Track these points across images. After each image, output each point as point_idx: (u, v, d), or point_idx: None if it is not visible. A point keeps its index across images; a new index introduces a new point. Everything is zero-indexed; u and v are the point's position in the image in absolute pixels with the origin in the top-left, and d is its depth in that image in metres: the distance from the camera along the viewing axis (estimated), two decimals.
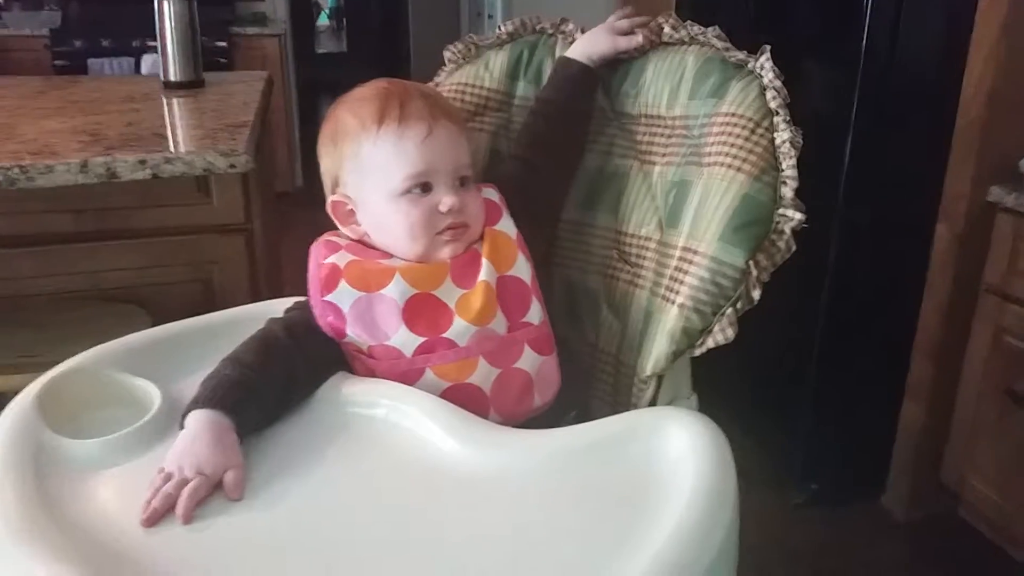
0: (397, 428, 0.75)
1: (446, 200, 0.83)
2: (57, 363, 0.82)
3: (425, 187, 0.83)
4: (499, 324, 0.83)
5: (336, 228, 0.90)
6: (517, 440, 0.74)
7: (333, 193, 0.88)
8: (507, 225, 0.88)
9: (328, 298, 0.82)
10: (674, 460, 0.68)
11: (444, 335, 0.81)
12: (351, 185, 0.86)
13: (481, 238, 0.87)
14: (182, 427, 0.73)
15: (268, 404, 0.77)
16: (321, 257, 0.85)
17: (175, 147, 1.35)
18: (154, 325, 0.93)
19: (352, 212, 0.87)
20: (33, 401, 0.75)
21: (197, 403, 0.74)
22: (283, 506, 0.67)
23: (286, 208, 3.89)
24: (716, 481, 0.65)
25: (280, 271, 2.11)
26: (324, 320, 0.82)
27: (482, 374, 0.82)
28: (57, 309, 1.40)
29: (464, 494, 0.68)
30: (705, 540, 0.61)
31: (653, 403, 0.87)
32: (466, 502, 0.67)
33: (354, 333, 0.82)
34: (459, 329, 0.81)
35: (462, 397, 0.80)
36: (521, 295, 0.85)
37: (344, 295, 0.82)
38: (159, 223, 1.42)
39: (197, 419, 0.72)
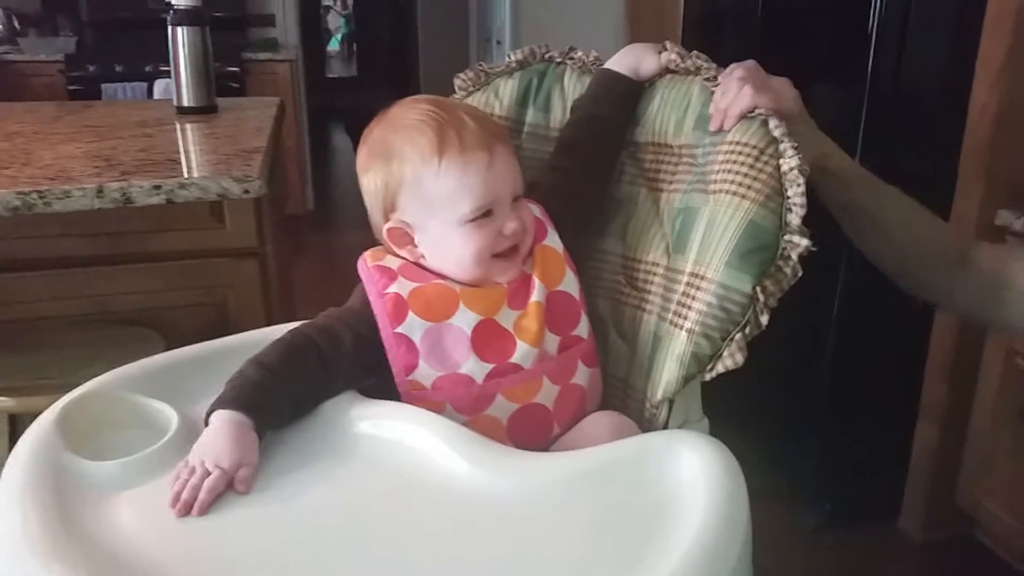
0: (408, 449, 0.76)
1: (509, 225, 0.85)
2: (72, 385, 0.83)
3: (487, 213, 0.85)
4: (550, 343, 0.86)
5: (357, 247, 0.91)
6: (529, 462, 0.75)
7: (386, 219, 0.88)
8: (554, 240, 0.90)
9: (399, 330, 0.83)
10: (685, 483, 0.69)
11: (511, 360, 0.83)
12: (410, 212, 0.86)
13: (530, 255, 0.88)
14: (206, 424, 0.77)
15: (286, 409, 0.81)
16: (381, 286, 0.85)
17: (189, 173, 1.37)
18: (168, 348, 0.94)
19: (409, 237, 0.87)
20: (53, 423, 0.76)
21: (221, 403, 0.77)
22: (297, 526, 0.68)
23: (298, 231, 3.92)
24: (728, 504, 0.66)
25: (293, 294, 2.12)
26: (395, 353, 0.83)
27: (546, 393, 0.85)
28: (72, 332, 1.41)
29: (475, 515, 0.69)
30: (717, 563, 0.61)
31: (664, 427, 0.87)
32: (476, 523, 0.68)
33: (427, 364, 0.82)
34: (523, 352, 0.84)
35: (530, 416, 0.84)
36: (570, 309, 0.88)
37: (414, 326, 0.83)
38: (173, 247, 1.44)
39: (219, 417, 0.76)
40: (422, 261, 0.88)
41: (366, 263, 0.87)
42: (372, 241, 0.93)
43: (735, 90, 0.88)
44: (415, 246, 0.87)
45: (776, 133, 0.86)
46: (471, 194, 0.83)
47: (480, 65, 1.09)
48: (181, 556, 0.65)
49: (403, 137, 0.85)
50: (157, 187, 1.27)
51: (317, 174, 4.81)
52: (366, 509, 0.70)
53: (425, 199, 0.85)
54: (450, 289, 0.85)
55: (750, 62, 0.92)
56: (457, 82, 1.09)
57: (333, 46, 8.50)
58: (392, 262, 0.87)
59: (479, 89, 1.08)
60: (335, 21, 8.44)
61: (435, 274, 0.87)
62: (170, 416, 0.79)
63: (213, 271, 1.45)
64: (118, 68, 3.75)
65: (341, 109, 7.05)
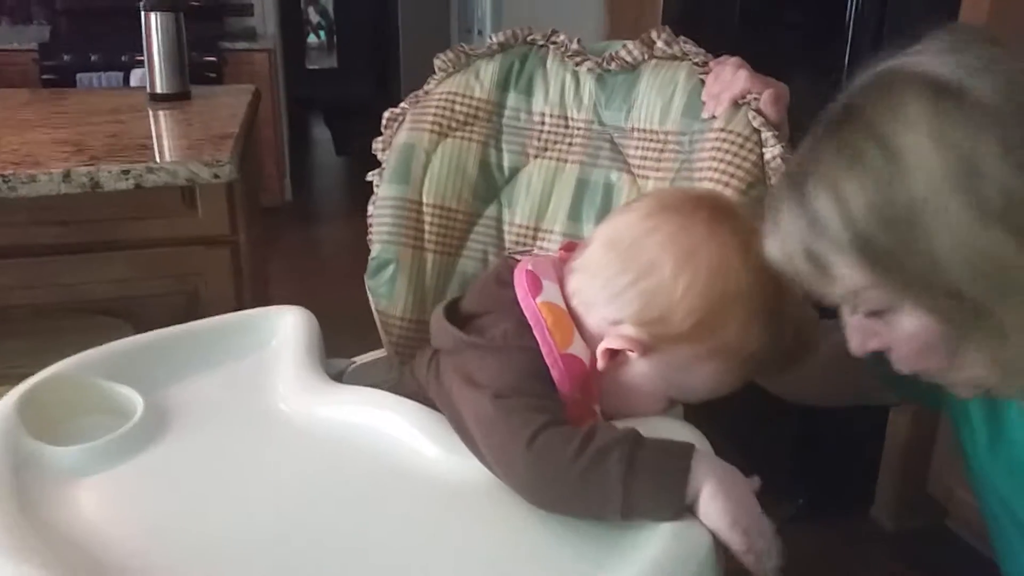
0: (381, 435, 0.74)
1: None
2: None
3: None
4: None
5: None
6: None
7: (623, 322, 0.73)
8: None
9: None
10: None
11: None
12: (661, 348, 0.73)
13: None
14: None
15: None
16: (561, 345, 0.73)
17: (159, 158, 1.34)
18: None
19: (624, 359, 0.74)
20: (13, 408, 0.73)
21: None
22: (263, 512, 0.67)
23: (275, 223, 3.89)
24: None
25: (267, 285, 2.10)
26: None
27: None
28: (41, 321, 1.39)
29: (449, 501, 0.67)
30: (690, 546, 0.60)
31: None
32: (451, 509, 0.67)
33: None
34: None
35: None
36: None
37: None
38: (144, 235, 1.41)
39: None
40: (598, 385, 0.75)
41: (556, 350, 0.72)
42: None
43: (729, 75, 0.88)
44: (615, 362, 0.74)
45: (755, 124, 0.86)
46: (702, 393, 0.75)
47: (461, 46, 1.08)
48: (144, 542, 0.63)
49: (726, 304, 0.71)
50: (125, 172, 1.24)
51: (296, 166, 4.77)
52: (335, 494, 0.69)
53: (676, 362, 0.73)
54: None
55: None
56: (437, 63, 1.07)
57: (313, 38, 8.44)
58: (579, 351, 0.73)
59: (459, 71, 1.06)
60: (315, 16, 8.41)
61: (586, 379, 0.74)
62: (135, 401, 0.77)
63: (185, 259, 1.43)
64: (93, 57, 3.69)
65: (321, 101, 7.00)
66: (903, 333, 0.65)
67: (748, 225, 0.73)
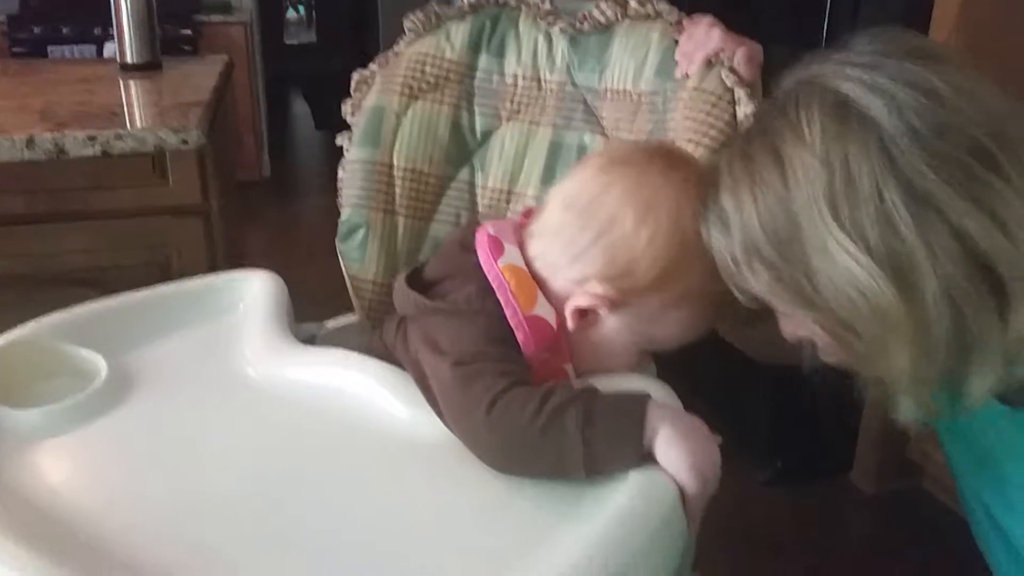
0: (349, 396, 0.73)
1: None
2: None
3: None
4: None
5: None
6: None
7: (588, 280, 0.73)
8: None
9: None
10: None
11: None
12: (616, 292, 0.72)
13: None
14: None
15: None
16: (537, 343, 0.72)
17: (129, 125, 1.32)
18: None
19: (595, 315, 0.74)
20: None
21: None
22: (231, 476, 0.66)
23: (253, 198, 3.85)
24: None
25: (243, 259, 2.08)
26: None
27: None
28: (8, 293, 1.36)
29: (418, 460, 0.67)
30: (660, 489, 0.61)
31: None
32: (420, 467, 0.66)
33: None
34: None
35: None
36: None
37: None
38: (114, 205, 1.38)
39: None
40: (570, 338, 0.74)
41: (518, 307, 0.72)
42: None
43: (702, 33, 0.87)
44: (586, 321, 0.74)
45: (729, 82, 0.85)
46: (669, 337, 0.76)
47: (432, 6, 1.06)
48: (107, 506, 0.62)
49: (688, 250, 0.71)
50: (92, 138, 1.22)
51: (275, 140, 4.72)
52: (302, 455, 0.68)
53: (644, 311, 0.74)
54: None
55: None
56: (407, 23, 1.05)
57: (292, 13, 8.33)
58: (544, 312, 0.73)
59: (429, 32, 1.05)
60: None
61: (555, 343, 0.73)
62: (99, 365, 0.76)
63: (156, 229, 1.40)
64: (65, 30, 3.61)
65: (300, 75, 6.91)
66: (816, 330, 0.67)
67: (701, 171, 0.73)
